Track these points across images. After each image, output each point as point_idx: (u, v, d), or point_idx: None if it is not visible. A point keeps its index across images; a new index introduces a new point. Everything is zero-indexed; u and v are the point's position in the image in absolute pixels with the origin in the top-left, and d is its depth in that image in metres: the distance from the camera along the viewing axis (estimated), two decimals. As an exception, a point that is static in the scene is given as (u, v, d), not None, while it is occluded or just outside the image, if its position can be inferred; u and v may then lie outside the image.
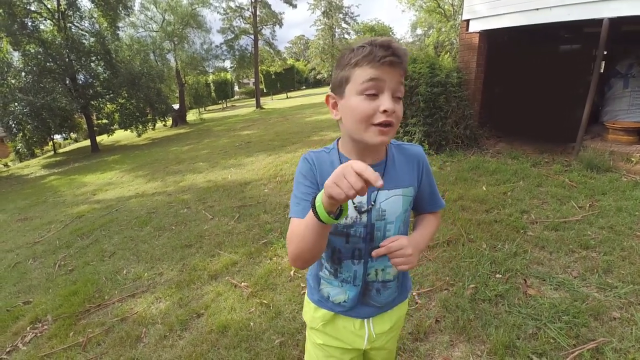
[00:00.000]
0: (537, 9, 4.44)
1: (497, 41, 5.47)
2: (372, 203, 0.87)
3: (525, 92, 5.46)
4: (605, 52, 4.50)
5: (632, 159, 4.01)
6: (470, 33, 5.23)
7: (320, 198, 0.67)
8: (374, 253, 0.84)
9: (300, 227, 0.76)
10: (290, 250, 0.80)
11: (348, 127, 0.81)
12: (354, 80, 0.77)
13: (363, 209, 0.87)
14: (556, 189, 3.53)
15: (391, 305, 1.02)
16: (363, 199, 0.87)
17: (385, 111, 0.74)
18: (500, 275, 2.30)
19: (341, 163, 0.84)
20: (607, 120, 5.00)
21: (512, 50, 5.58)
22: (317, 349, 1.04)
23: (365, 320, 0.99)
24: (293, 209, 0.85)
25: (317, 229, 0.70)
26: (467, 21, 5.25)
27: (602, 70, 5.37)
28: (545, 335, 1.78)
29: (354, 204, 0.87)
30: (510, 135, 5.59)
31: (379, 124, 0.75)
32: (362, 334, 0.99)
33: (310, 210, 0.69)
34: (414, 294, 2.24)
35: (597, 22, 4.01)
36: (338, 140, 0.92)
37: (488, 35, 5.24)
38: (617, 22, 3.98)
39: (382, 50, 0.73)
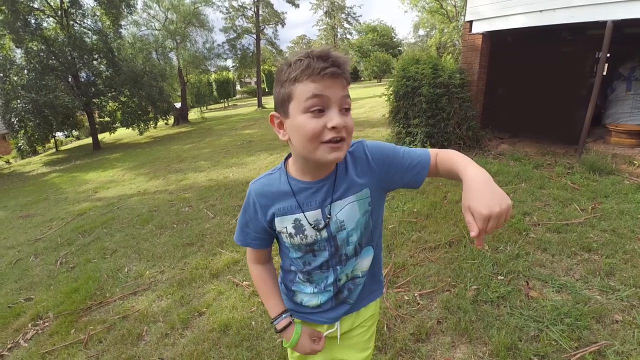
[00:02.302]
0: (541, 11, 4.43)
1: (500, 43, 5.47)
2: (329, 216, 0.84)
3: (527, 94, 5.47)
4: (608, 55, 4.49)
5: (635, 162, 4.00)
6: (473, 34, 5.22)
7: (297, 334, 0.94)
8: (479, 246, 0.67)
9: (258, 282, 1.03)
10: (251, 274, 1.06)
11: (298, 147, 0.75)
12: (297, 98, 0.71)
13: (321, 226, 0.85)
14: (558, 192, 3.53)
15: (363, 304, 1.02)
16: (318, 216, 0.84)
17: (334, 127, 0.69)
18: (502, 277, 2.30)
19: (290, 184, 0.85)
20: (610, 123, 5.00)
21: (515, 52, 5.58)
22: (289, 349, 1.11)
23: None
24: (238, 233, 0.97)
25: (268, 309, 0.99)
26: (470, 22, 5.24)
27: (605, 73, 5.36)
28: (547, 337, 1.78)
29: (310, 224, 0.84)
30: (513, 137, 5.60)
31: (330, 141, 0.71)
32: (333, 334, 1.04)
33: (279, 313, 0.96)
34: (416, 294, 2.24)
35: (601, 25, 4.00)
36: (287, 158, 0.89)
37: (491, 37, 5.23)
38: (621, 25, 3.98)
39: (321, 61, 0.68)
